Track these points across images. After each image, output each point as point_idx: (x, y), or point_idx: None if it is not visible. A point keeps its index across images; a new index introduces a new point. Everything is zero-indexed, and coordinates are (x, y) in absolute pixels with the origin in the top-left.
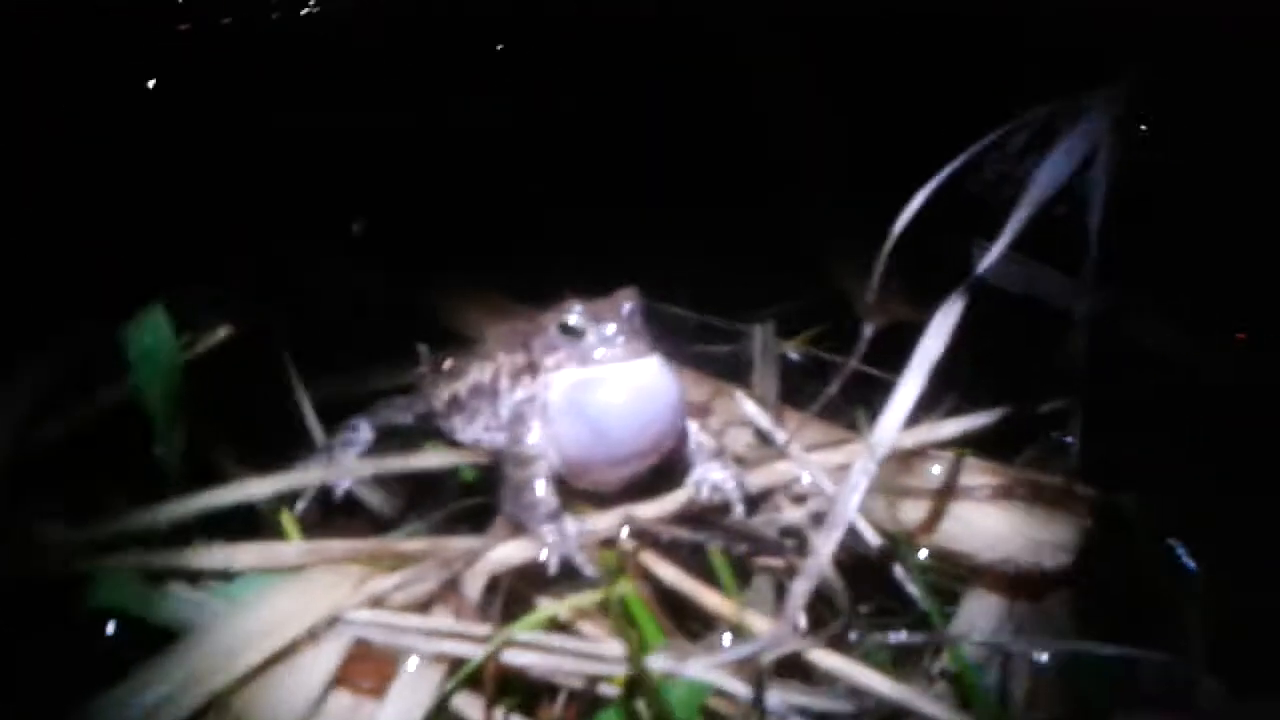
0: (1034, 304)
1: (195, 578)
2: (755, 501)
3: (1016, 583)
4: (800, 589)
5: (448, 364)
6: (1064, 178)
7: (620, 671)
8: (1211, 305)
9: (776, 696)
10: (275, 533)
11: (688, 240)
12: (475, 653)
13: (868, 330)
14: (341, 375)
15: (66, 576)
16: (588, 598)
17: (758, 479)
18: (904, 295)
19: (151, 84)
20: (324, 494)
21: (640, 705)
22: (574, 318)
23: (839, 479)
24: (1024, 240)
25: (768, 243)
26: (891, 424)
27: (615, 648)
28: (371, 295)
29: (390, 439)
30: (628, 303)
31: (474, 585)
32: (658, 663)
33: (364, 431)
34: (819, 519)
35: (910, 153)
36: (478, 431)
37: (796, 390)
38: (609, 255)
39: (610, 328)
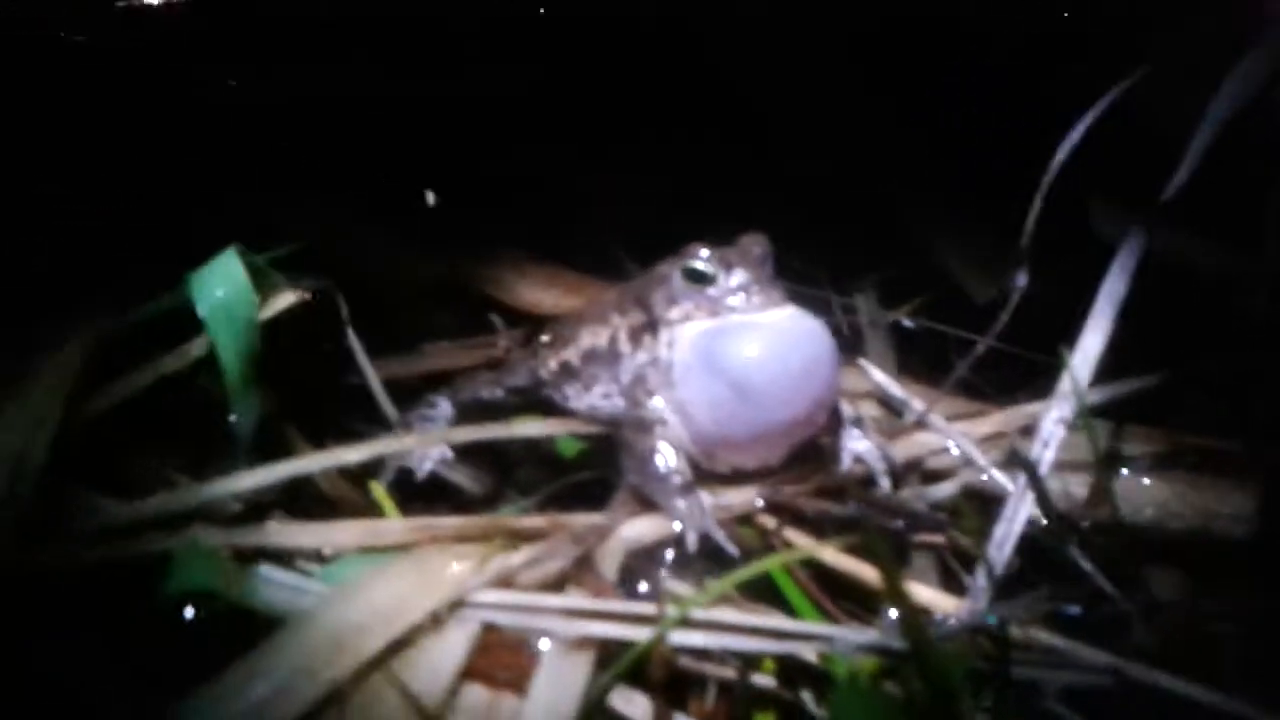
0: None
1: (285, 559)
2: (896, 476)
3: (1198, 555)
4: (999, 554)
5: (545, 336)
6: (1248, 96)
7: (808, 650)
8: None
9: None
10: (359, 512)
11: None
12: (633, 634)
13: (1019, 284)
14: (404, 355)
15: (136, 558)
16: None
17: (898, 451)
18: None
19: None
20: (404, 476)
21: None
22: (701, 262)
23: (988, 449)
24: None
25: (852, 205)
26: (1083, 370)
27: (815, 625)
28: (425, 273)
29: (471, 417)
30: (758, 247)
31: (609, 563)
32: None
33: (443, 408)
34: (974, 492)
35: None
36: (595, 399)
37: (909, 361)
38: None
39: (744, 273)
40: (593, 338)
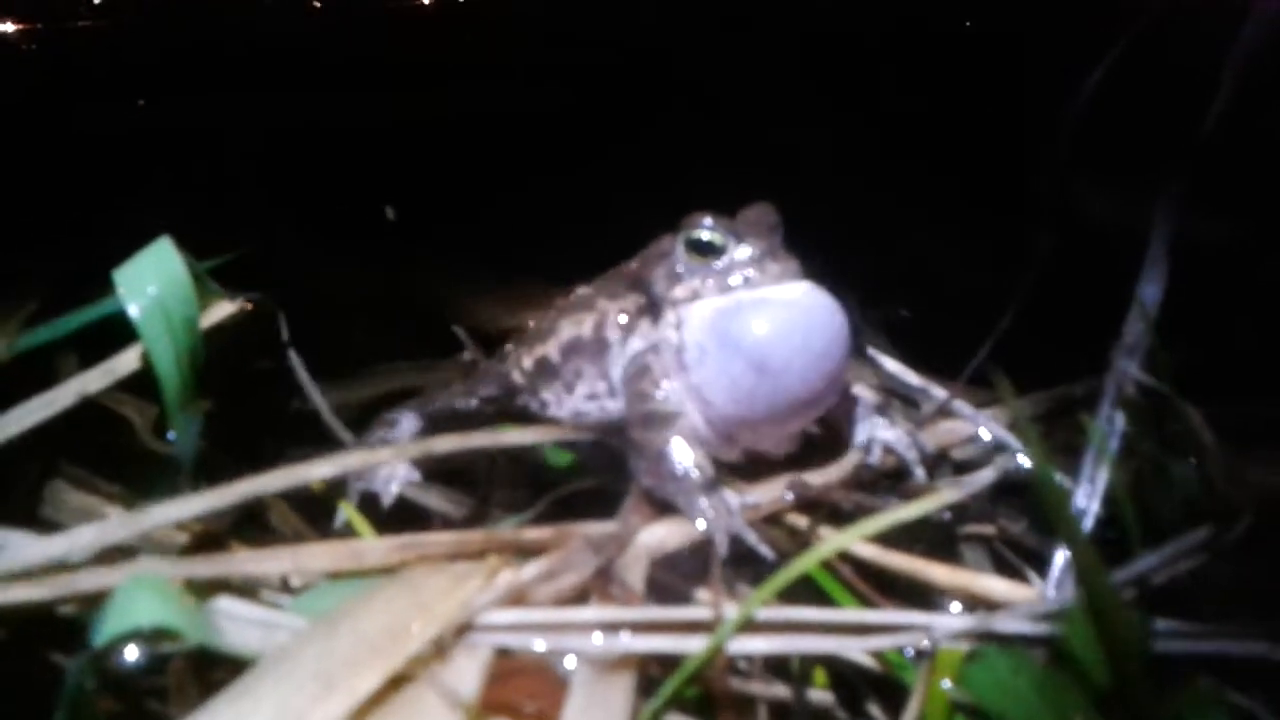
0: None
1: (248, 591)
2: (930, 466)
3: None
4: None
5: (510, 344)
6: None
7: (902, 642)
8: None
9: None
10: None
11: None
12: (685, 646)
13: (1046, 242)
14: (351, 379)
15: (63, 599)
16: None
17: (927, 439)
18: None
19: None
20: (368, 502)
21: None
22: (706, 231)
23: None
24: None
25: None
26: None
27: (909, 614)
28: (374, 292)
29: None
30: (768, 216)
31: (634, 573)
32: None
33: (406, 425)
34: (1014, 481)
35: None
36: (579, 402)
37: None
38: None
39: (756, 244)
40: (575, 327)
